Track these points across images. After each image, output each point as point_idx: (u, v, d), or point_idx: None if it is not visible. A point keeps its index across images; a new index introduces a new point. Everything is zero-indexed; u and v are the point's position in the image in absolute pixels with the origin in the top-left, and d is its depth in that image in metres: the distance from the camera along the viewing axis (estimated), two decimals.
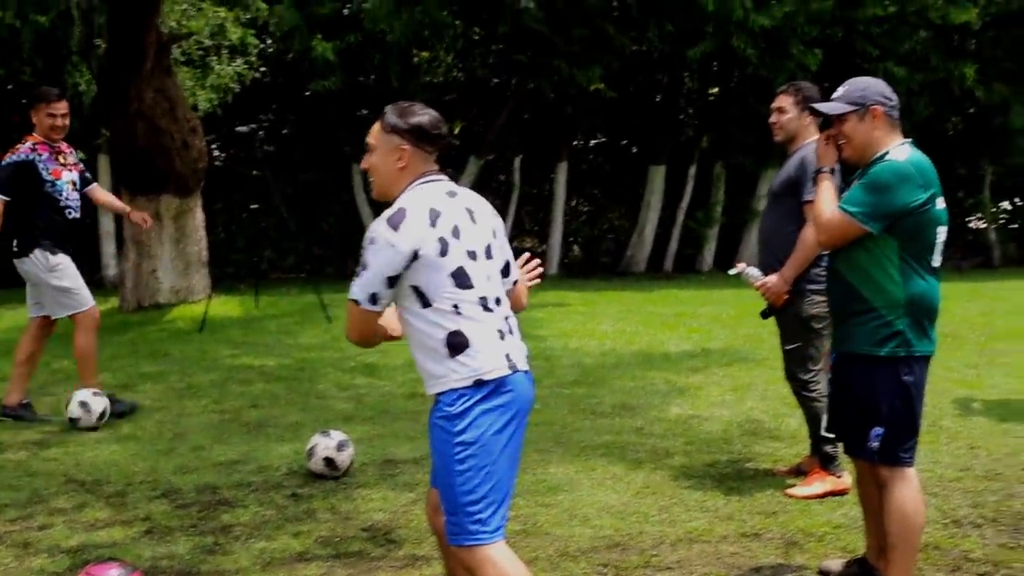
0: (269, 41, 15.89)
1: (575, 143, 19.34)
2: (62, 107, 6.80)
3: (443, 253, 3.10)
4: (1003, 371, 8.28)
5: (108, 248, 16.02)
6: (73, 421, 6.57)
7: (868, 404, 3.79)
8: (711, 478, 5.50)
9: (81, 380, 6.93)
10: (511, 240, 17.74)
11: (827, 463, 5.21)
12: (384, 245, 3.07)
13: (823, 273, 4.96)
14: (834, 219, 3.77)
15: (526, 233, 20.16)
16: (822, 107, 3.96)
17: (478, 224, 3.23)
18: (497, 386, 3.11)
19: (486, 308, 3.17)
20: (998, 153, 18.91)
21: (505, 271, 3.36)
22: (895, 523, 3.77)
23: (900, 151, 3.76)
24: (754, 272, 5.22)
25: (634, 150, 20.08)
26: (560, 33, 15.79)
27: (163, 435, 6.51)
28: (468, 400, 3.08)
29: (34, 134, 6.81)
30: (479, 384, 3.09)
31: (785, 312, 5.22)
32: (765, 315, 5.38)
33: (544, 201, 19.05)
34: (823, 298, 4.93)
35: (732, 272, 5.35)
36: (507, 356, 3.16)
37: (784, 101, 5.26)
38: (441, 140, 3.28)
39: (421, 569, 4.29)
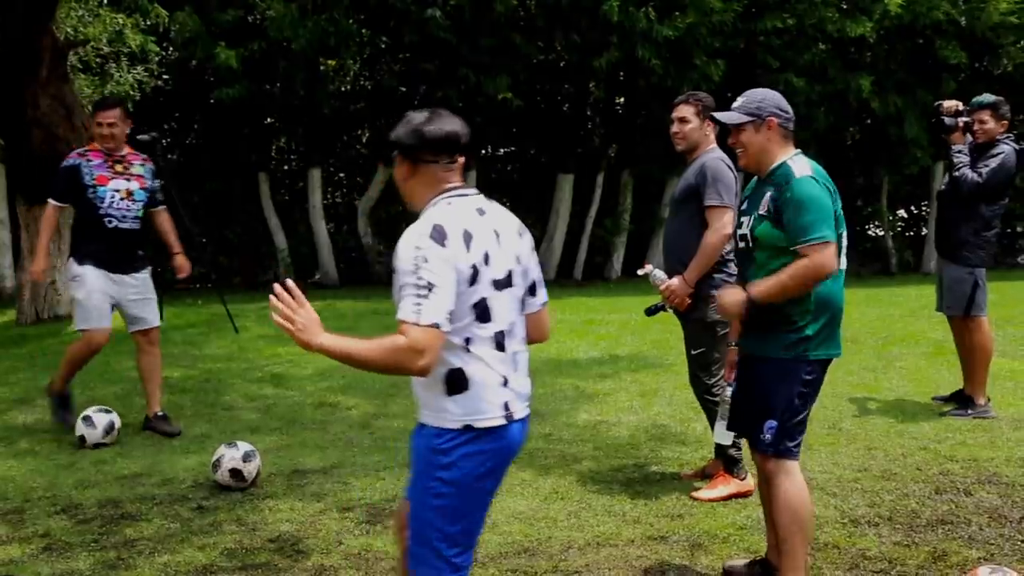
0: (171, 48, 15.60)
1: (484, 152, 19.39)
2: (108, 116, 6.68)
3: (472, 281, 2.93)
4: (899, 374, 8.54)
5: (4, 260, 15.53)
6: (81, 440, 6.38)
7: (766, 399, 3.93)
8: (619, 483, 5.56)
9: (58, 373, 6.91)
10: None
11: (731, 466, 5.32)
12: (440, 260, 2.86)
13: (728, 279, 5.08)
14: (825, 252, 3.76)
15: None
16: (721, 116, 4.08)
17: (502, 247, 3.03)
18: (487, 433, 2.98)
19: (499, 346, 3.00)
20: (894, 163, 19.49)
21: (531, 290, 3.19)
22: (783, 515, 3.91)
23: (799, 162, 3.91)
24: (659, 274, 5.31)
25: (542, 159, 20.20)
26: (467, 42, 15.82)
27: (63, 449, 6.35)
28: (455, 441, 2.95)
29: (93, 142, 6.83)
30: (469, 429, 2.96)
31: (690, 317, 5.32)
32: (650, 312, 5.47)
33: None
34: None
35: (640, 272, 5.44)
36: (505, 405, 3.00)
37: (686, 111, 5.37)
38: (448, 148, 3.03)
39: None
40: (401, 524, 3.26)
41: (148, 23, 13.65)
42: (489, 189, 19.40)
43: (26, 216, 11.71)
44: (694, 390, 5.50)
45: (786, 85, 16.10)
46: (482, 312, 2.96)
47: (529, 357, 3.19)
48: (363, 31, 15.99)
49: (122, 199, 6.68)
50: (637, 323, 11.85)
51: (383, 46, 17.15)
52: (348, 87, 17.53)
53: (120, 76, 13.09)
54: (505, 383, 3.01)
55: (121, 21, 12.70)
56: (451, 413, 2.96)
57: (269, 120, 18.10)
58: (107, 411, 6.49)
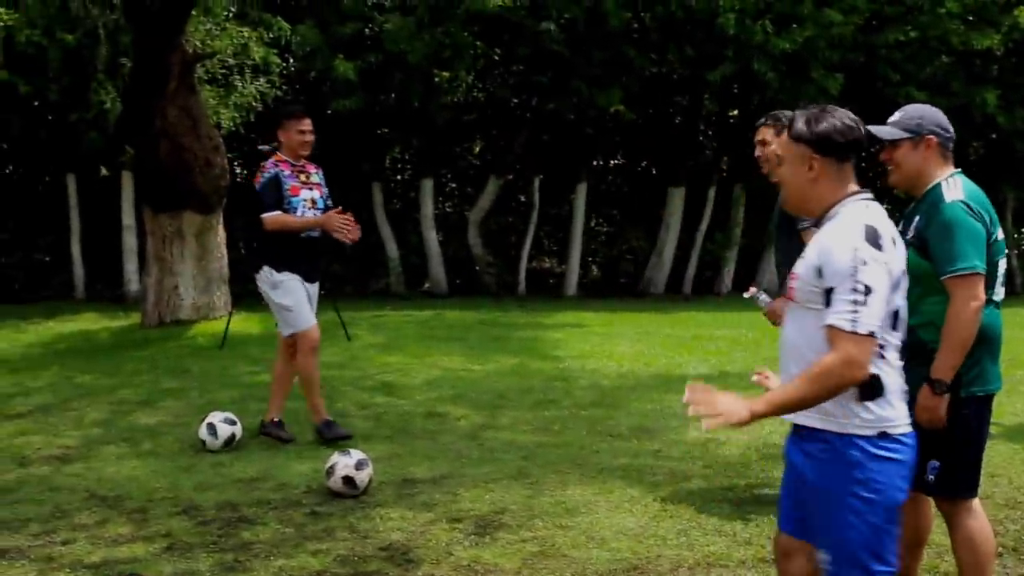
0: (291, 60, 16.01)
1: (594, 164, 19.39)
2: (308, 123, 6.85)
3: (896, 287, 2.88)
4: None
5: (130, 265, 16.16)
6: (202, 444, 6.54)
7: (924, 438, 3.73)
8: (729, 502, 5.49)
9: (307, 402, 6.94)
10: (530, 260, 17.63)
11: None
12: (879, 264, 2.79)
13: None
14: (971, 284, 3.58)
15: (545, 253, 20.19)
16: (876, 130, 3.87)
17: (904, 255, 2.98)
18: (899, 440, 2.90)
19: (899, 355, 2.97)
20: (1020, 179, 18.85)
21: None
22: (965, 554, 3.76)
23: (953, 185, 3.71)
24: (764, 297, 5.23)
25: (653, 172, 20.11)
26: (580, 55, 15.85)
27: (184, 451, 6.54)
28: (865, 448, 2.85)
29: (278, 153, 6.85)
30: (884, 436, 2.87)
31: None
32: None
33: (563, 221, 19.08)
34: None
35: (746, 295, 5.38)
36: (907, 412, 2.96)
37: (766, 133, 5.24)
38: (856, 148, 2.97)
39: None
40: (784, 552, 3.23)
41: (271, 36, 14.05)
42: (599, 201, 19.46)
43: (152, 223, 12.14)
44: None
45: (907, 99, 15.69)
46: (896, 319, 2.91)
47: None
48: (477, 43, 16.16)
49: (308, 208, 6.79)
50: (748, 339, 11.70)
51: (496, 58, 17.31)
52: (461, 99, 17.73)
53: (243, 88, 13.47)
54: (904, 392, 2.97)
55: (246, 34, 13.08)
56: (861, 419, 2.86)
57: (383, 131, 18.41)
58: (232, 422, 6.60)
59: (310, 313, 6.80)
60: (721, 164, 18.77)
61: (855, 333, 2.76)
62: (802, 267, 2.95)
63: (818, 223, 3.02)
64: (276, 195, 6.68)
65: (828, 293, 2.83)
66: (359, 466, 5.50)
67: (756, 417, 2.82)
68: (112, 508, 5.32)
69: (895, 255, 2.87)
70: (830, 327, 2.80)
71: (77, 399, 8.15)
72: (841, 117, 2.94)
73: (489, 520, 5.16)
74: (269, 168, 6.76)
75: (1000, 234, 3.75)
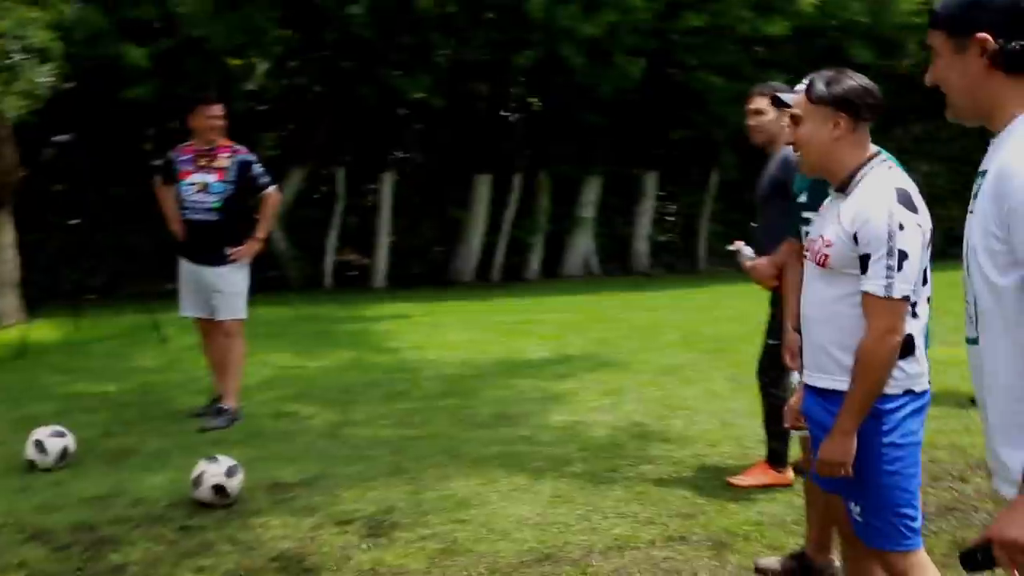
0: (74, 46, 14.85)
1: (400, 152, 19.08)
2: (215, 109, 6.94)
3: (928, 245, 2.94)
4: None
5: None
6: (31, 464, 5.82)
7: None
8: (617, 483, 5.40)
9: None
10: (337, 252, 16.99)
11: (773, 460, 5.26)
12: (914, 228, 2.86)
13: None
14: None
15: (350, 244, 19.71)
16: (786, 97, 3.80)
17: None
18: (920, 396, 3.00)
19: (928, 311, 3.04)
20: None
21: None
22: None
23: None
24: (747, 251, 5.06)
25: (459, 159, 19.97)
26: (386, 40, 15.51)
27: (11, 471, 5.85)
28: (895, 404, 2.94)
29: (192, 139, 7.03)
30: (909, 394, 2.96)
31: (777, 309, 5.13)
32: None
33: (369, 212, 18.67)
34: None
35: (730, 248, 5.22)
36: (928, 368, 3.05)
37: (761, 103, 5.16)
38: (872, 110, 3.02)
39: None
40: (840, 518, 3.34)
41: (52, 19, 12.97)
42: (406, 190, 19.14)
43: None
44: (758, 380, 5.31)
45: (704, 84, 16.22)
46: (925, 276, 2.99)
47: None
48: (279, 30, 15.52)
49: (197, 192, 6.85)
50: (575, 321, 11.77)
51: (299, 44, 16.71)
52: (260, 86, 17.00)
53: (30, 73, 12.37)
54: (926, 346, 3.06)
55: (33, 16, 12.02)
56: (896, 379, 2.92)
57: (175, 123, 17.43)
58: (60, 434, 5.96)
59: (185, 305, 7.15)
60: (525, 151, 18.82)
61: (890, 298, 2.85)
62: (835, 234, 2.97)
63: (842, 189, 3.04)
64: (168, 176, 7.08)
65: (864, 259, 2.89)
66: (230, 473, 5.08)
67: (851, 435, 2.91)
68: None
69: (927, 214, 2.95)
70: (866, 293, 2.88)
71: None
72: (858, 79, 3.04)
73: (379, 520, 4.87)
74: (172, 152, 7.15)
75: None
